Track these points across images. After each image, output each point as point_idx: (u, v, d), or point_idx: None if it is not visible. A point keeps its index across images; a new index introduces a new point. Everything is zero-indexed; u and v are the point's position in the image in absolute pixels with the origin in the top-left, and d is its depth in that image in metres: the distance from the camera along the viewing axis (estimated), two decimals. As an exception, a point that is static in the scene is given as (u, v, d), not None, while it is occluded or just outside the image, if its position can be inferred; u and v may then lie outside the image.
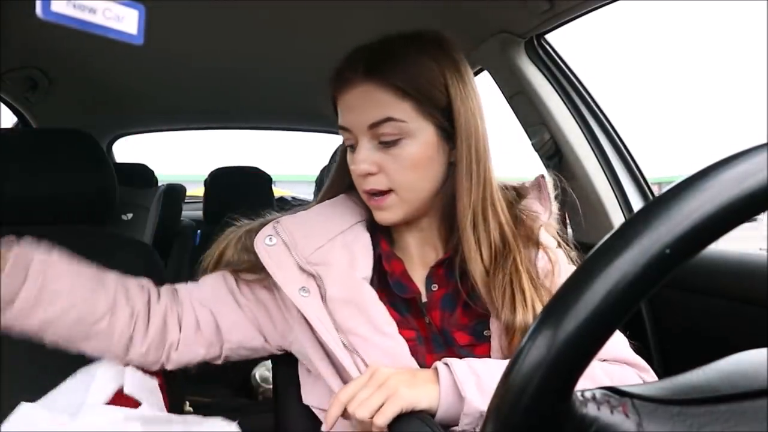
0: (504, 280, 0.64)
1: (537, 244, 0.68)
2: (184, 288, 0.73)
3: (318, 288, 0.67)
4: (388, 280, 0.69)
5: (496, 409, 0.27)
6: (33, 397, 0.64)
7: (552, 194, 0.74)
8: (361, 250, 0.70)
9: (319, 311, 0.65)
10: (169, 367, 0.72)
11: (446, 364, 0.58)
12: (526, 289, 0.63)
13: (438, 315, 0.68)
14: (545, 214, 0.70)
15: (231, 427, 0.53)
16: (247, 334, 0.72)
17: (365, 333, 0.64)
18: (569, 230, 1.36)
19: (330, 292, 0.66)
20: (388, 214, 0.67)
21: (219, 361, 0.74)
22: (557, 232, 0.74)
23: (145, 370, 0.70)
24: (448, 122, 0.65)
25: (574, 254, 0.72)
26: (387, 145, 0.64)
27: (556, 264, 0.68)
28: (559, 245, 0.73)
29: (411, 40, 0.66)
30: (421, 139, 0.64)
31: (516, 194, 0.73)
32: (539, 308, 0.63)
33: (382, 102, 0.63)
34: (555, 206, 0.73)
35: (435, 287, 0.70)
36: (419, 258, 0.72)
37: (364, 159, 0.65)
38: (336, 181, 0.77)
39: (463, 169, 0.65)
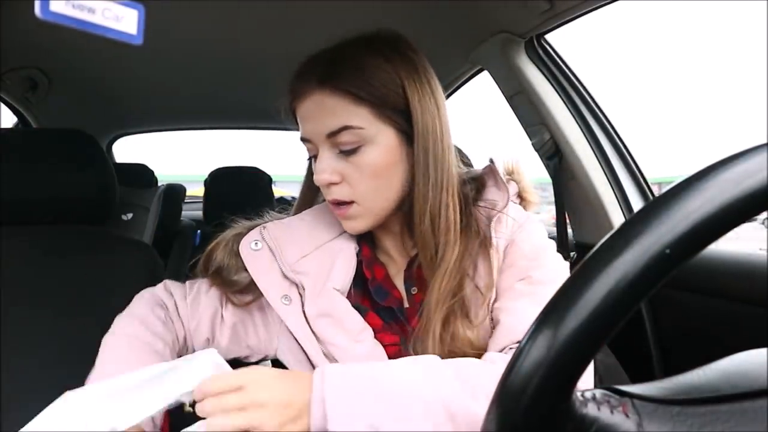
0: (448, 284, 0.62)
1: (486, 243, 0.64)
2: (184, 311, 0.72)
3: (300, 297, 0.66)
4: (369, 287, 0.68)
5: (496, 408, 0.27)
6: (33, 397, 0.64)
7: (504, 176, 0.71)
8: (343, 259, 0.69)
9: (299, 321, 0.65)
10: None
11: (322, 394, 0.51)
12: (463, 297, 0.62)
13: (417, 321, 0.66)
14: (503, 200, 0.67)
15: (210, 354, 0.52)
16: (230, 353, 0.72)
17: (341, 342, 0.64)
18: (569, 230, 1.36)
19: (307, 304, 0.65)
20: (354, 223, 0.66)
21: None
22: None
23: None
24: (408, 124, 0.63)
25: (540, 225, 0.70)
26: (347, 153, 0.62)
27: (504, 260, 0.65)
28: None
29: (363, 43, 0.64)
30: (381, 144, 0.62)
31: (476, 186, 0.70)
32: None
33: (337, 110, 0.61)
34: (512, 187, 0.70)
35: (415, 290, 0.68)
36: (402, 260, 0.71)
37: (325, 169, 0.63)
38: (305, 192, 0.76)
39: (419, 171, 0.63)
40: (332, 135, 0.62)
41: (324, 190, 0.66)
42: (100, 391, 0.50)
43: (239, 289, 0.70)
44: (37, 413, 0.66)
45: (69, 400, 0.49)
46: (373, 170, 0.62)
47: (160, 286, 0.74)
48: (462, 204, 0.66)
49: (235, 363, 0.71)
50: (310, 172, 0.73)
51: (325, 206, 0.74)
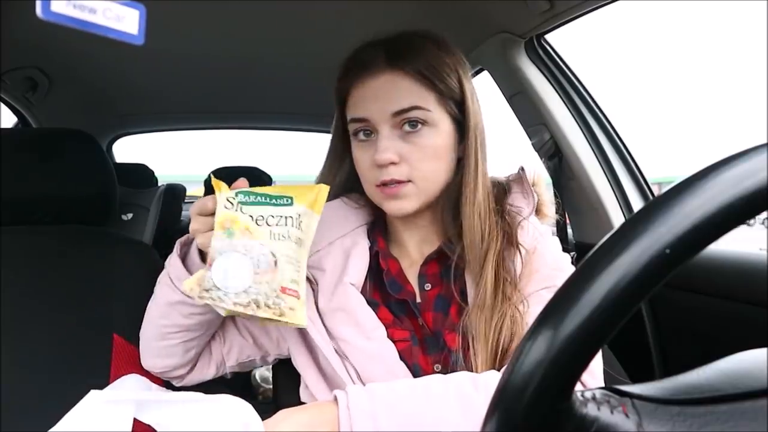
0: (487, 276, 0.63)
1: (514, 243, 0.67)
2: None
3: (313, 292, 0.67)
4: (384, 279, 0.69)
5: (496, 408, 0.27)
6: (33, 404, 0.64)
7: (531, 185, 0.73)
8: (357, 254, 0.69)
9: (312, 316, 0.65)
10: (179, 385, 0.74)
11: (348, 407, 0.53)
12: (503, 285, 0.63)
13: (431, 317, 0.67)
14: (528, 207, 0.69)
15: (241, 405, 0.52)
16: (243, 353, 0.74)
17: (353, 339, 0.64)
18: (569, 230, 1.36)
19: (320, 299, 0.66)
20: (403, 203, 0.66)
21: (228, 377, 0.76)
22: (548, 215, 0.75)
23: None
24: (461, 116, 0.67)
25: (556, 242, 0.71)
26: (409, 133, 0.64)
27: (526, 266, 0.66)
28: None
29: (428, 37, 0.68)
30: (441, 129, 0.66)
31: (505, 190, 0.73)
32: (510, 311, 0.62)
33: (410, 90, 0.64)
34: (537, 197, 0.72)
35: (428, 287, 0.69)
36: (417, 255, 0.72)
37: (387, 148, 0.64)
38: (327, 179, 0.76)
39: (471, 163, 0.66)
40: (399, 113, 0.64)
41: (378, 171, 0.65)
42: (123, 397, 0.50)
43: None
44: (37, 412, 0.66)
45: (94, 400, 0.49)
46: (433, 152, 0.65)
47: None
48: (497, 200, 0.70)
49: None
50: (334, 158, 0.74)
51: (337, 203, 0.75)
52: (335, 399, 0.54)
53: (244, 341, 0.73)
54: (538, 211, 0.74)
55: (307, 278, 0.67)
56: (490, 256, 0.64)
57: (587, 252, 0.26)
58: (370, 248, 0.72)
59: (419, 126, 0.64)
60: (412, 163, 0.65)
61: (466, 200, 0.66)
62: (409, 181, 0.65)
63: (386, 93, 0.64)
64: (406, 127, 0.64)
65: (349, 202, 0.75)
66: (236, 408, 0.51)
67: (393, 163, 0.64)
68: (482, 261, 0.64)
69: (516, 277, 0.65)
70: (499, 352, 0.61)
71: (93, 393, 0.50)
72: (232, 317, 0.72)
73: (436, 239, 0.72)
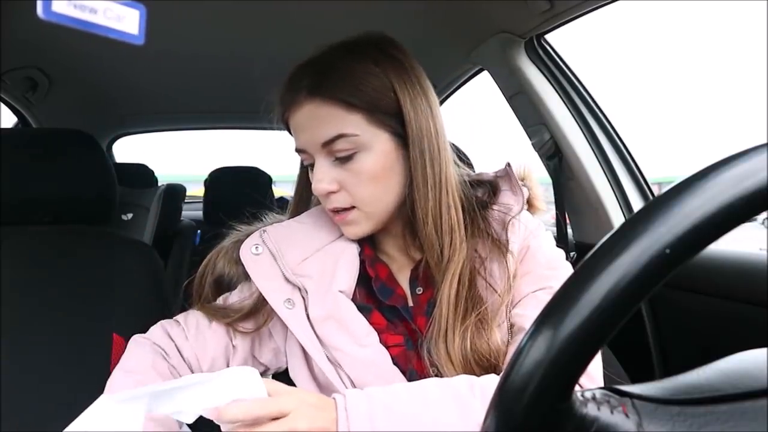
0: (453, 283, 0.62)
1: (501, 248, 0.64)
2: (189, 352, 0.69)
3: (303, 300, 0.66)
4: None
5: (495, 408, 0.27)
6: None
7: (521, 179, 0.71)
8: (346, 260, 0.68)
9: (303, 325, 0.64)
10: None
11: (346, 409, 0.52)
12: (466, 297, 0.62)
13: (423, 321, 0.66)
14: (517, 205, 0.66)
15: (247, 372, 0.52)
16: None
17: (346, 347, 0.63)
18: (569, 230, 1.36)
19: (310, 308, 0.65)
20: (354, 228, 0.66)
21: None
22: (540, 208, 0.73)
23: None
24: (401, 127, 0.63)
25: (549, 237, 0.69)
26: (343, 161, 0.62)
27: (519, 267, 0.65)
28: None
29: (350, 48, 0.64)
30: (376, 149, 0.62)
31: (491, 190, 0.70)
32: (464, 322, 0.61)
33: (331, 118, 0.61)
34: (526, 191, 0.70)
35: (420, 290, 0.68)
36: (404, 260, 0.71)
37: (322, 178, 0.63)
38: (300, 196, 0.75)
39: (418, 173, 0.63)
40: (327, 144, 0.62)
41: (323, 199, 0.66)
42: (133, 395, 0.50)
43: (242, 316, 0.69)
44: (37, 412, 0.66)
45: (104, 403, 0.49)
46: (371, 176, 0.62)
47: (156, 329, 0.71)
48: (465, 204, 0.66)
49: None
50: (302, 178, 0.73)
51: (324, 208, 0.74)
52: (333, 401, 0.54)
53: (250, 364, 0.71)
54: (530, 205, 0.73)
55: (297, 287, 0.66)
56: (448, 275, 0.62)
57: (587, 252, 0.26)
58: (359, 255, 0.71)
59: (351, 152, 0.61)
60: (349, 189, 0.63)
61: (421, 219, 0.63)
62: (353, 207, 0.64)
63: (310, 125, 0.62)
64: (338, 155, 0.62)
65: None
66: (244, 378, 0.50)
67: (332, 192, 0.63)
68: (441, 279, 0.63)
69: (502, 283, 0.63)
70: (475, 369, 0.60)
71: (103, 397, 0.50)
72: (228, 336, 0.70)
73: (417, 246, 0.70)
